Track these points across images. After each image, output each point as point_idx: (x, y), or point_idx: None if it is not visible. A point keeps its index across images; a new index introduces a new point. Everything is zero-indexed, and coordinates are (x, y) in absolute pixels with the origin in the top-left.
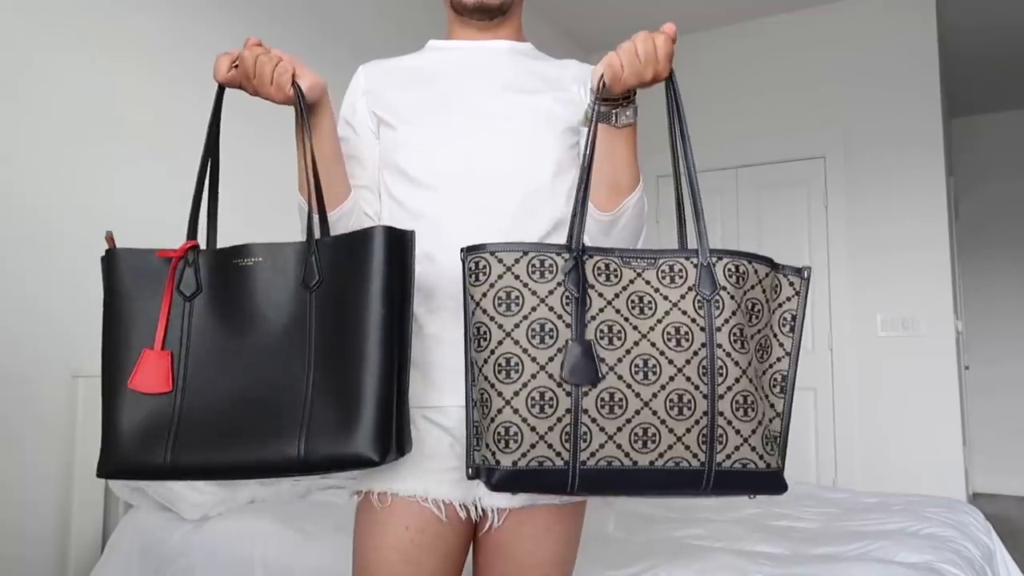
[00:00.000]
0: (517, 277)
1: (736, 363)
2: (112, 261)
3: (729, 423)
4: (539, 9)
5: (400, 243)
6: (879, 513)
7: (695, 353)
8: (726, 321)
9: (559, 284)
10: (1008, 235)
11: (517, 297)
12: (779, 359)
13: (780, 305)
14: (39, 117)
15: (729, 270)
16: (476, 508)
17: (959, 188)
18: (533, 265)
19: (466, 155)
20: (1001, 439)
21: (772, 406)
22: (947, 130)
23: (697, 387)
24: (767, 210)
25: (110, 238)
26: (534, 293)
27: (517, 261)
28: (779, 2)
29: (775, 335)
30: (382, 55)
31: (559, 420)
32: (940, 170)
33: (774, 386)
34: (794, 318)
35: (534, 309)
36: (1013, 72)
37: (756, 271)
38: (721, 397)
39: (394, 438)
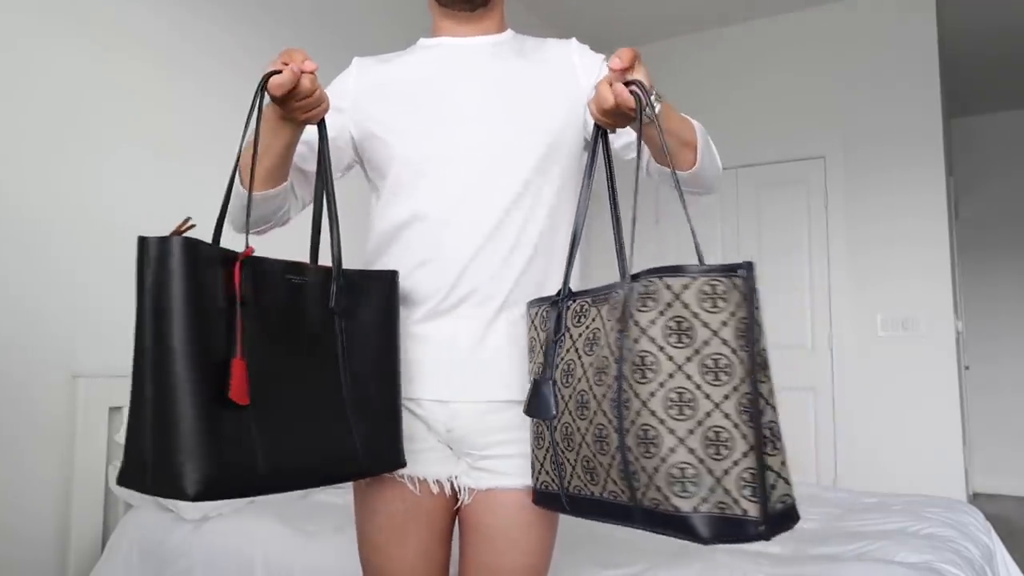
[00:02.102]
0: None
1: (637, 395)
2: (189, 252)
3: (636, 459)
4: (534, 8)
5: (393, 285)
6: (879, 513)
7: (609, 387)
8: (629, 350)
9: (544, 331)
10: (1008, 235)
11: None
12: (742, 380)
13: (733, 315)
14: (37, 117)
15: (639, 291)
16: (451, 485)
17: (959, 188)
18: (542, 316)
19: (453, 166)
20: (1001, 439)
21: (744, 437)
22: (947, 130)
23: (611, 421)
24: (767, 210)
25: (186, 227)
26: (535, 338)
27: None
28: (779, 2)
29: (734, 351)
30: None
31: (547, 451)
32: (940, 170)
33: (742, 413)
34: (748, 328)
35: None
36: (1013, 72)
37: (669, 286)
38: (627, 431)
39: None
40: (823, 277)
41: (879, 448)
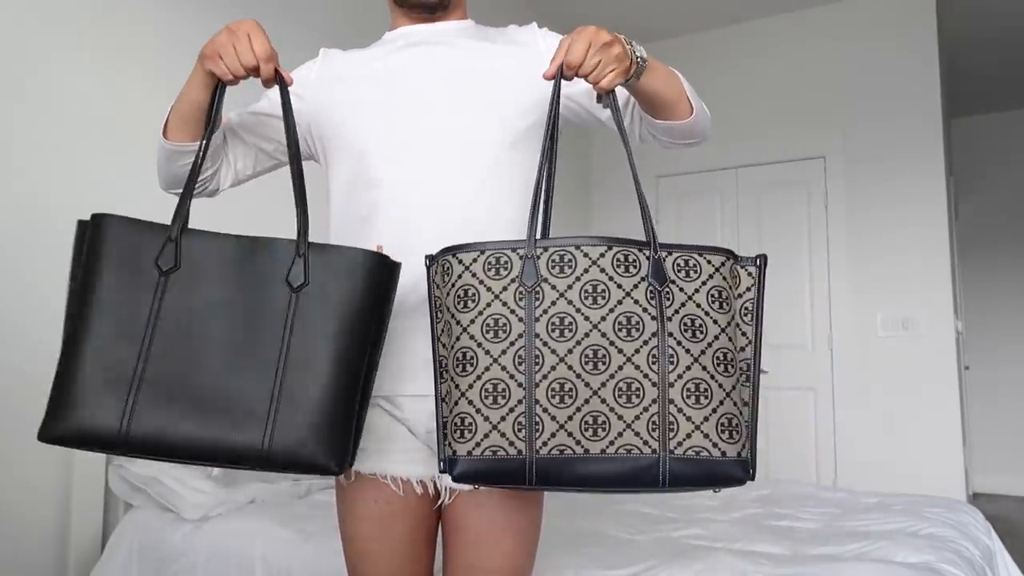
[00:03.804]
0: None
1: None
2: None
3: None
4: (533, 5)
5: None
6: (879, 513)
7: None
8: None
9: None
10: (1008, 235)
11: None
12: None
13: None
14: (43, 118)
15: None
16: (433, 485)
17: (959, 188)
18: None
19: (415, 155)
20: (1001, 439)
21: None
22: (947, 130)
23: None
24: (767, 210)
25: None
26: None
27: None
28: (779, 3)
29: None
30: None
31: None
32: (940, 170)
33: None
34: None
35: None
36: (1013, 72)
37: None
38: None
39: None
40: (823, 277)
41: (879, 448)
